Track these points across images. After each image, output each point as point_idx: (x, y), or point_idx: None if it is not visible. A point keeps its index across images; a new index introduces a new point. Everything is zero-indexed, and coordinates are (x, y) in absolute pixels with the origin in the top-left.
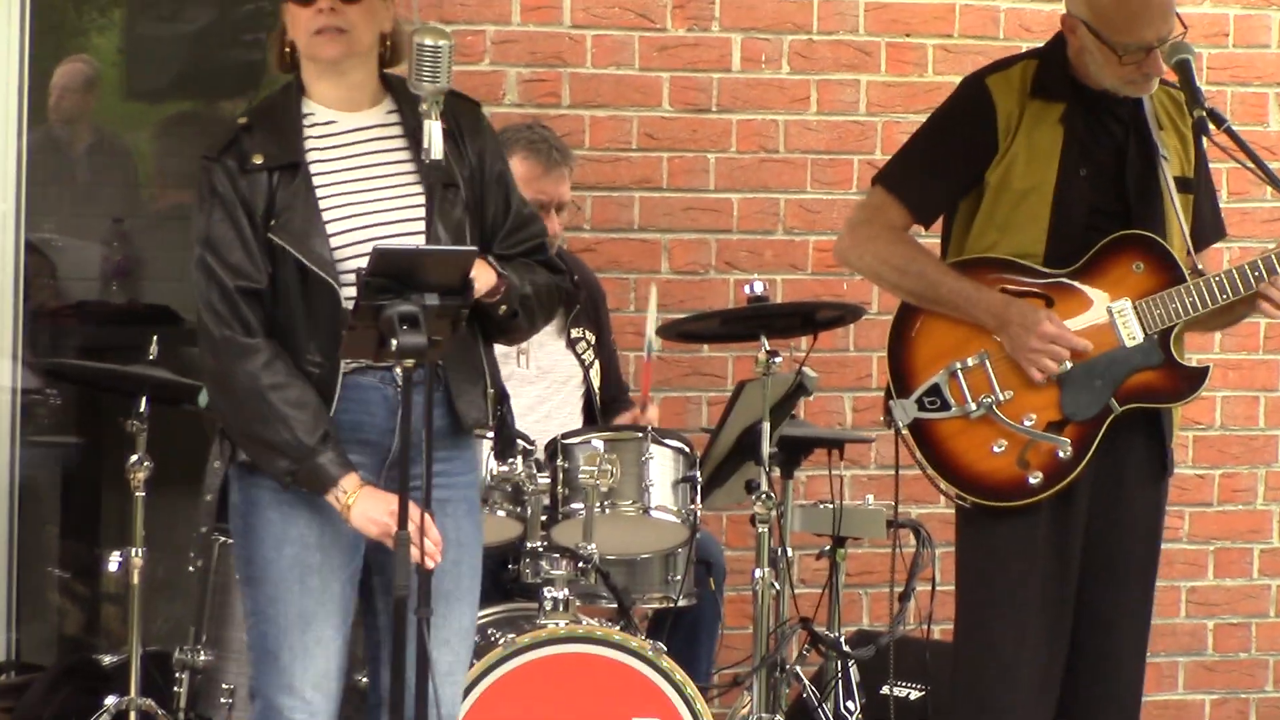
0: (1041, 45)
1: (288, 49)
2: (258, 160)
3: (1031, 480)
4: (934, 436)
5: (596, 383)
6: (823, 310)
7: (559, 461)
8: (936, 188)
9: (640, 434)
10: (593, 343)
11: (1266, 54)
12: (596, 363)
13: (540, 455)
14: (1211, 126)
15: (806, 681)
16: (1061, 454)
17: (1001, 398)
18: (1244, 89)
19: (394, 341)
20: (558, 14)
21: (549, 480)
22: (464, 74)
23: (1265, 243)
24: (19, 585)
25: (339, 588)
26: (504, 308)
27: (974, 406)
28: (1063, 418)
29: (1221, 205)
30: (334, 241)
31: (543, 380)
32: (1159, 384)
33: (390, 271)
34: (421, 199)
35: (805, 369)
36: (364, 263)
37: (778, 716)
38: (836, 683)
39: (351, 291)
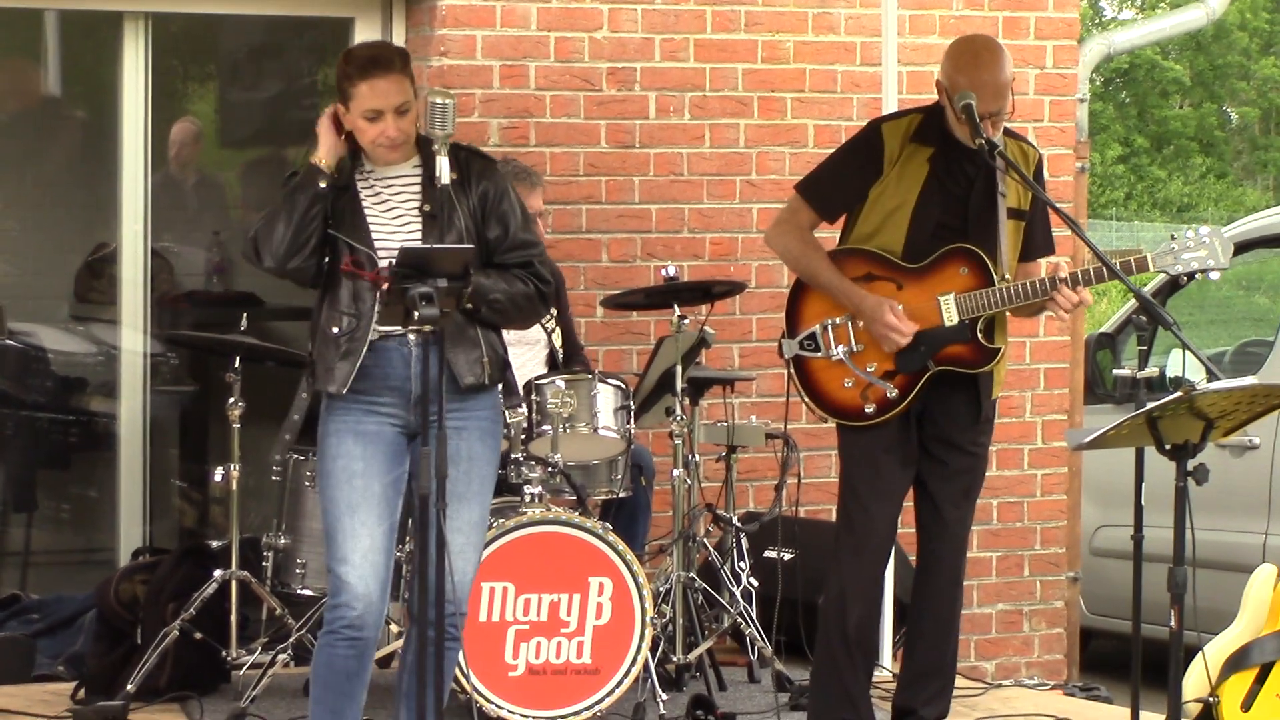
0: (930, 104)
1: (347, 131)
2: (323, 186)
3: (867, 409)
4: (807, 369)
5: (558, 343)
6: (717, 286)
7: (533, 396)
8: (835, 198)
9: (589, 375)
10: (554, 315)
11: (1026, 99)
12: (558, 329)
13: (519, 393)
14: (988, 151)
15: (711, 548)
16: (889, 394)
17: (855, 349)
18: (1011, 124)
19: (416, 313)
20: (525, 80)
21: (526, 410)
22: (461, 124)
23: None
24: (151, 492)
25: (379, 489)
26: (469, 304)
27: (835, 352)
28: (894, 369)
29: None
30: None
31: (519, 344)
32: (964, 354)
33: (412, 263)
34: (418, 223)
35: (706, 328)
36: (385, 259)
37: (691, 573)
38: (733, 549)
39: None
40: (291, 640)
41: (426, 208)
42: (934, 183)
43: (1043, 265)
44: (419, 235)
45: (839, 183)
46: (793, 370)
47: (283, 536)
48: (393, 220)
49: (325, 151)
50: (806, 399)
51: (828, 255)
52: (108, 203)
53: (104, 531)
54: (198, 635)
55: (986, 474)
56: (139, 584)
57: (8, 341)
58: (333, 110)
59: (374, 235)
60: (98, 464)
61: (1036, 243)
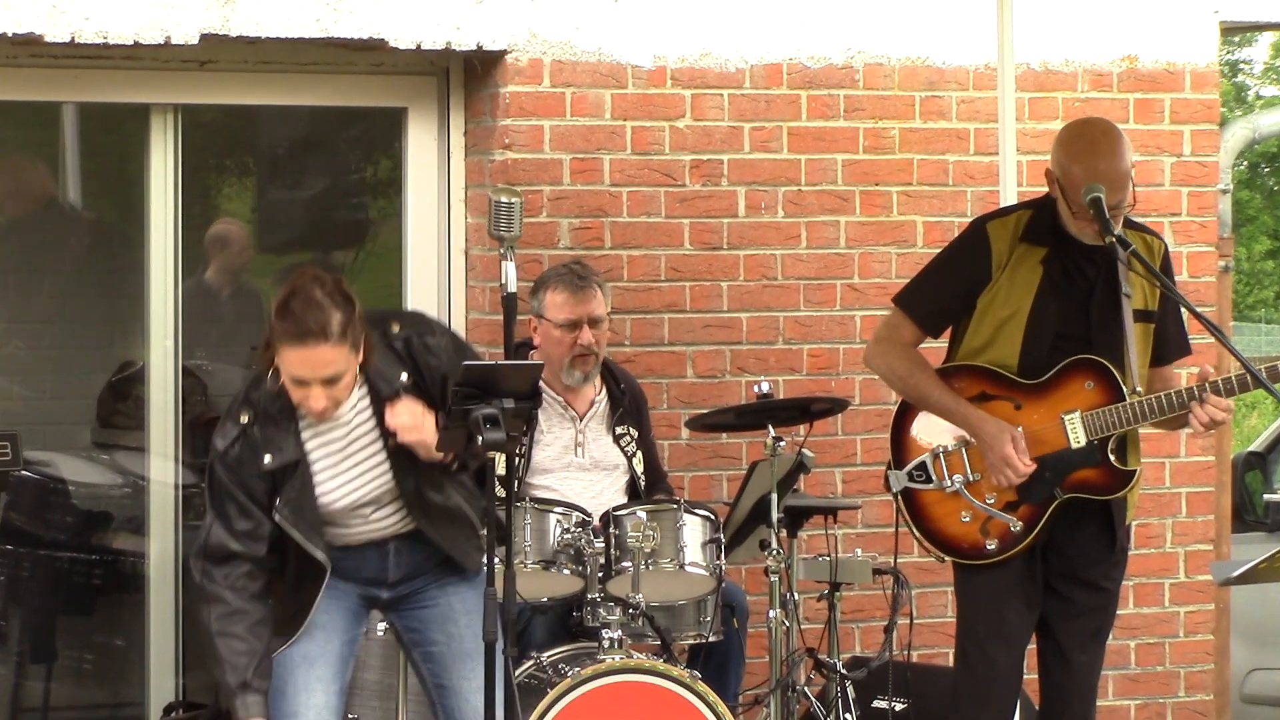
0: (1039, 197)
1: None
2: (267, 462)
3: (989, 546)
4: (918, 503)
5: (639, 469)
6: (816, 404)
7: (611, 529)
8: (939, 309)
9: (675, 505)
10: (635, 437)
11: (1161, 191)
12: (639, 453)
13: (596, 525)
14: (1120, 250)
15: (813, 699)
16: (1013, 528)
17: (971, 479)
18: (1144, 219)
19: (480, 438)
20: (599, 175)
21: (603, 544)
22: (526, 224)
23: None
24: (184, 640)
25: (338, 646)
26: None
27: (949, 483)
28: (1017, 499)
29: None
30: (322, 502)
31: (595, 469)
32: (1096, 480)
33: (474, 382)
34: (382, 457)
35: (804, 451)
36: (349, 509)
37: None
38: (837, 699)
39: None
40: None
41: (393, 443)
42: (1049, 287)
43: (1180, 373)
44: (389, 474)
45: (942, 292)
46: (902, 504)
47: None
48: (357, 466)
49: None
50: (919, 536)
51: (936, 373)
52: (133, 316)
53: (132, 685)
54: None
55: (1122, 612)
56: None
57: (23, 472)
58: None
59: (337, 491)
60: (125, 609)
61: (1170, 345)
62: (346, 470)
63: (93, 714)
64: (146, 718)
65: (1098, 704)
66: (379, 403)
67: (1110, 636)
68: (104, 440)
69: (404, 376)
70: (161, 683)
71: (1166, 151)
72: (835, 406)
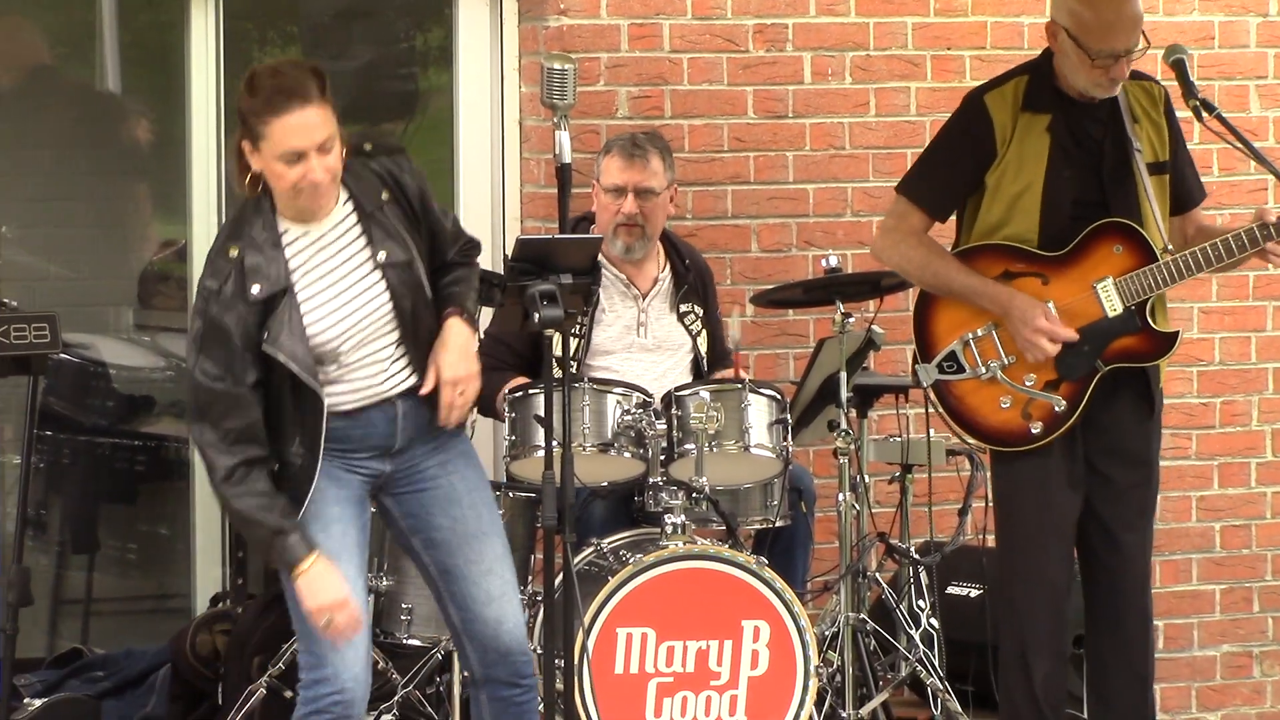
0: (1031, 60)
1: (253, 178)
2: (255, 292)
3: (1033, 430)
4: (953, 394)
5: (704, 348)
6: (886, 278)
7: (673, 410)
8: (946, 193)
9: (739, 385)
10: (700, 315)
11: (1246, 53)
12: (704, 332)
13: (658, 406)
14: (1205, 114)
15: (885, 585)
16: (1057, 408)
17: (1006, 362)
18: (1229, 82)
19: (536, 315)
20: (659, 41)
21: (665, 426)
22: (583, 93)
23: (1251, 209)
24: (231, 528)
25: (355, 536)
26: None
27: (984, 370)
28: (1058, 377)
29: (1213, 180)
30: (314, 343)
31: (659, 349)
32: (1137, 346)
33: (530, 256)
34: (380, 284)
35: (874, 327)
36: (346, 344)
37: (862, 614)
38: (909, 585)
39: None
40: (397, 699)
41: (382, 256)
42: (1060, 154)
43: (1201, 215)
44: (384, 297)
45: (948, 175)
46: (934, 398)
47: (385, 578)
48: (349, 290)
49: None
50: (957, 429)
51: (956, 257)
52: (175, 193)
53: (177, 575)
54: (287, 693)
55: (1206, 492)
56: (219, 635)
57: (62, 355)
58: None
59: (329, 319)
60: (169, 496)
61: (1189, 191)
62: (338, 296)
63: (137, 605)
64: (193, 608)
65: (1179, 589)
66: (365, 220)
67: (1194, 518)
68: (145, 322)
69: (384, 195)
70: (208, 572)
71: (1252, 11)
72: (906, 282)
